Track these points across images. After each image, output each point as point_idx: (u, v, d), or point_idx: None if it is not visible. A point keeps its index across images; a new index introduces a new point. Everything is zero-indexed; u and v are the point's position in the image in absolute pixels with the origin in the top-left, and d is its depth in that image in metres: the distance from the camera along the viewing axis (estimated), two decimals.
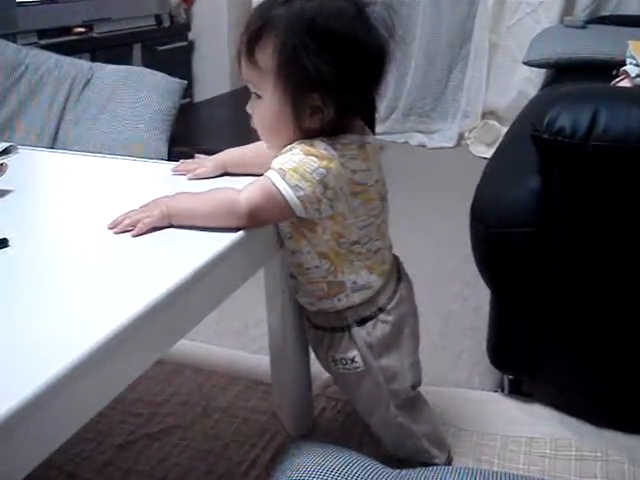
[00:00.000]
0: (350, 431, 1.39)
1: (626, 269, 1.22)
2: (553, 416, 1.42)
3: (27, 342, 0.72)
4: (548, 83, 2.45)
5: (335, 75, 0.96)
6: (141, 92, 1.99)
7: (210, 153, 1.27)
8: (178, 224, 1.00)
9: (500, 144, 1.62)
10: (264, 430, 1.40)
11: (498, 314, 1.40)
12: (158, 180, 1.28)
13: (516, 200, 1.27)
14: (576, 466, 1.29)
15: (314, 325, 1.17)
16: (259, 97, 1.03)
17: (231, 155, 1.24)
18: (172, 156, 1.98)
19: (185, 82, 2.13)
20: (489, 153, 3.29)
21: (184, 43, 3.46)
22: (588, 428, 1.38)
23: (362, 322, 1.11)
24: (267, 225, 1.06)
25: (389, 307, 1.12)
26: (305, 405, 1.39)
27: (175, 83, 2.08)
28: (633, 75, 1.40)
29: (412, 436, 1.20)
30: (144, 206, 1.01)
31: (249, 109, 1.06)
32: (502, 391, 1.51)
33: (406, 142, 3.62)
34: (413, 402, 1.20)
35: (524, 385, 1.48)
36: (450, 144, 3.54)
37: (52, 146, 1.91)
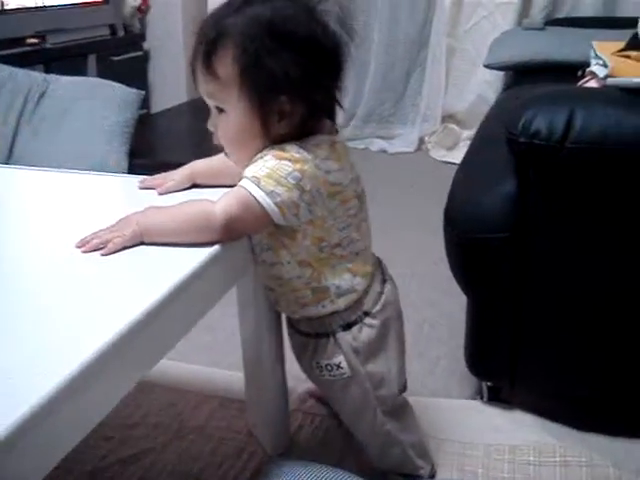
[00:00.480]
0: (329, 447, 1.36)
1: (604, 272, 1.21)
2: (535, 422, 1.40)
3: None
4: (509, 86, 2.45)
5: (301, 73, 0.94)
6: (98, 103, 1.94)
7: (171, 165, 1.23)
8: (150, 242, 0.95)
9: (470, 147, 1.61)
10: (241, 449, 1.35)
11: (475, 320, 1.37)
12: (124, 195, 1.23)
13: (490, 205, 1.25)
14: (561, 472, 1.27)
15: (298, 331, 1.13)
16: (221, 111, 0.99)
17: (199, 166, 1.20)
18: (133, 169, 1.93)
19: (143, 92, 2.08)
20: (450, 157, 3.31)
21: (139, 53, 3.40)
22: (570, 433, 1.36)
23: (347, 327, 1.07)
24: (242, 238, 1.02)
25: (374, 311, 1.09)
26: (282, 422, 1.35)
27: (132, 94, 2.03)
28: (602, 76, 1.39)
29: (398, 445, 1.17)
30: (114, 225, 0.96)
31: (211, 127, 1.03)
32: (481, 398, 1.48)
33: (366, 148, 3.60)
34: (400, 409, 1.18)
35: (503, 392, 1.46)
36: (411, 149, 3.54)
37: (7, 161, 1.84)
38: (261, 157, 0.97)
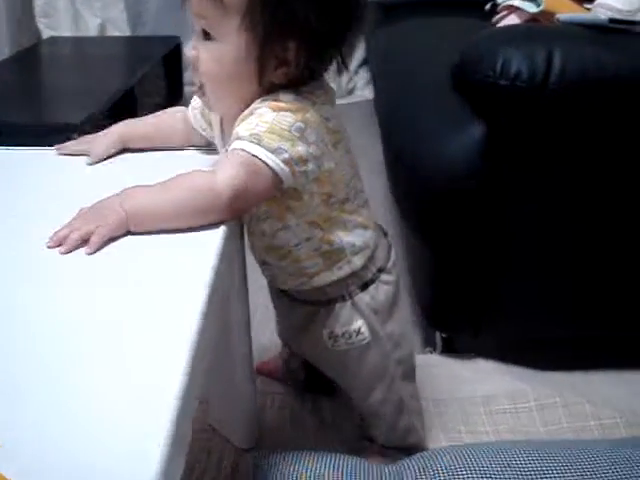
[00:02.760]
0: (302, 428, 1.25)
1: (575, 215, 1.19)
2: (498, 369, 1.38)
3: None
4: (379, 23, 2.37)
5: (321, 21, 0.80)
6: None
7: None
8: (139, 230, 0.77)
9: (382, 88, 1.51)
10: (209, 450, 1.21)
11: (436, 273, 1.32)
12: (41, 170, 1.00)
13: (456, 153, 1.17)
14: (539, 416, 1.27)
15: (301, 301, 1.00)
16: (209, 38, 0.82)
17: (131, 127, 1.03)
18: None
19: None
20: None
21: None
22: (535, 374, 1.36)
23: (364, 287, 0.97)
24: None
25: (389, 266, 0.99)
26: (252, 413, 1.22)
27: None
28: (532, 11, 1.35)
29: (407, 414, 1.09)
30: (89, 211, 0.77)
31: (191, 51, 0.85)
32: (433, 351, 1.45)
33: None
34: (413, 371, 1.09)
35: (457, 342, 1.43)
36: None
37: None
38: (254, 111, 0.82)
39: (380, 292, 0.98)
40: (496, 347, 1.42)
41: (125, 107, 2.02)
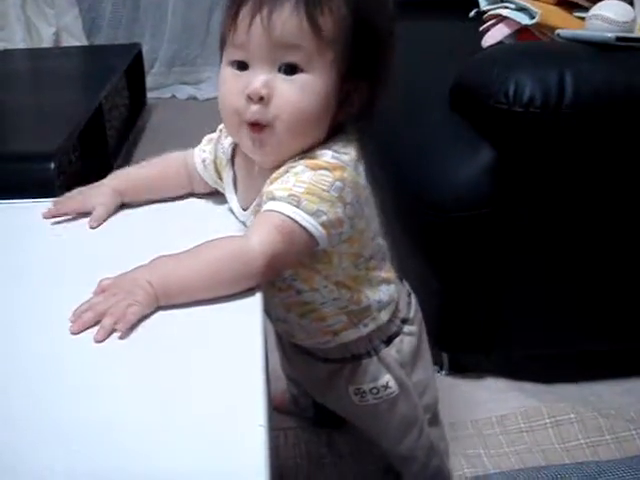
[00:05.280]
0: (321, 464, 1.23)
1: (585, 237, 1.19)
2: (509, 386, 1.38)
3: None
4: None
5: (390, 65, 0.80)
6: None
7: None
8: (169, 304, 0.71)
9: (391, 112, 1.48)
10: None
11: (444, 297, 1.29)
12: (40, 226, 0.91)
13: (466, 180, 1.15)
14: (555, 433, 1.27)
15: (323, 359, 0.96)
16: (295, 72, 0.75)
17: (128, 178, 0.94)
18: None
19: None
20: None
21: None
22: (546, 389, 1.36)
23: (388, 341, 0.94)
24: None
25: (411, 316, 0.97)
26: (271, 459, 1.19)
27: None
28: (525, 23, 1.33)
29: (438, 456, 1.07)
30: (114, 285, 0.71)
31: (263, 89, 0.75)
32: (440, 370, 1.43)
33: (173, 96, 3.31)
34: (439, 414, 1.08)
35: (464, 360, 1.42)
36: None
37: None
38: (289, 169, 0.77)
39: (405, 344, 0.95)
40: (504, 363, 1.41)
41: (94, 127, 1.95)
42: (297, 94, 0.75)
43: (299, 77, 0.75)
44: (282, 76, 0.75)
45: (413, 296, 1.00)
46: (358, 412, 1.00)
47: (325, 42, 0.74)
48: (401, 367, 0.95)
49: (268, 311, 0.93)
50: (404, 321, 0.96)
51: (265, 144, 0.78)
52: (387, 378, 0.94)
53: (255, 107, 0.75)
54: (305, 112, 0.76)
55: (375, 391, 0.94)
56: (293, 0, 0.72)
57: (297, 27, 0.73)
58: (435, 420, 1.06)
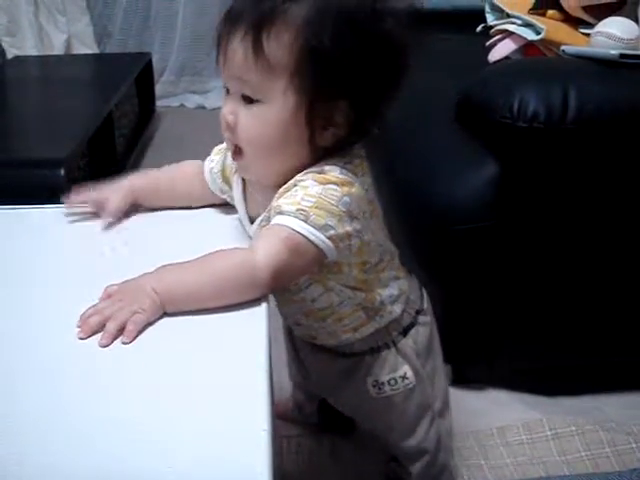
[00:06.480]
0: (325, 472, 1.24)
1: (589, 250, 1.20)
2: (510, 398, 1.39)
3: None
4: None
5: (374, 80, 0.77)
6: None
7: None
8: (174, 311, 0.73)
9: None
10: None
11: (449, 309, 1.29)
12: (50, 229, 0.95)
13: (470, 193, 1.17)
14: (556, 445, 1.28)
15: (343, 354, 0.97)
16: (251, 102, 0.78)
17: (144, 180, 0.97)
18: None
19: None
20: None
21: None
22: (547, 401, 1.37)
23: (405, 332, 0.96)
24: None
25: (425, 307, 0.99)
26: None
27: None
28: (531, 38, 1.35)
29: (443, 451, 1.07)
30: (120, 292, 0.73)
31: (228, 115, 0.79)
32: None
33: (182, 105, 3.35)
34: (448, 404, 1.08)
35: (467, 372, 1.43)
36: None
37: None
38: (297, 183, 0.78)
39: (420, 335, 0.98)
40: (506, 375, 1.42)
41: (104, 134, 1.97)
42: (252, 124, 0.78)
43: (255, 107, 0.77)
44: (243, 104, 0.78)
45: (423, 289, 1.02)
46: (372, 406, 1.01)
47: (275, 71, 0.75)
48: (417, 357, 0.97)
49: (286, 317, 0.97)
50: (418, 312, 0.98)
51: (246, 167, 0.83)
52: (405, 369, 0.96)
53: (227, 133, 0.81)
54: (262, 141, 0.79)
55: (393, 382, 0.96)
56: (242, 32, 0.75)
57: (243, 60, 0.75)
58: (443, 411, 1.06)
